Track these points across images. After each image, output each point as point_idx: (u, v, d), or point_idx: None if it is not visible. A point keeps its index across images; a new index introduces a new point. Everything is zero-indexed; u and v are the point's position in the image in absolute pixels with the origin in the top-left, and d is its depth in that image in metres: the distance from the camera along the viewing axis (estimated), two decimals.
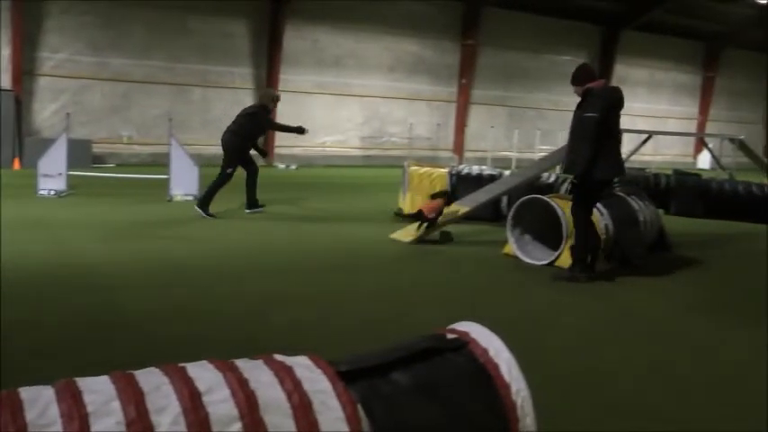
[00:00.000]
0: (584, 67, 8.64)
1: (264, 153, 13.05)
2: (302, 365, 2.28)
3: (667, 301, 7.97)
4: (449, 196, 10.94)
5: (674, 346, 6.37)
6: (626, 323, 7.06)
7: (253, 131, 12.23)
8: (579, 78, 8.45)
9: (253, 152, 12.51)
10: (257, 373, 2.16)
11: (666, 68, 31.54)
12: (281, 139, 21.76)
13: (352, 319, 6.46)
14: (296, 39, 22.16)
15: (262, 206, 12.44)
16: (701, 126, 33.62)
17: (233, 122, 12.13)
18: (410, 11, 24.16)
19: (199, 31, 20.57)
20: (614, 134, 8.30)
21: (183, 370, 2.07)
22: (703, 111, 34.00)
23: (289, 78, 22.10)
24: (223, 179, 11.80)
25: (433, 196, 10.83)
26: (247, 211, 12.27)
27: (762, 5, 29.07)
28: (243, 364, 2.20)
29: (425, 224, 10.28)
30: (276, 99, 12.67)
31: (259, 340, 5.59)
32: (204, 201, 11.67)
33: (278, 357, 2.32)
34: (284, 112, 21.73)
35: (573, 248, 8.64)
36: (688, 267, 9.70)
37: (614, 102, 8.30)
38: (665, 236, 10.81)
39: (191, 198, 12.98)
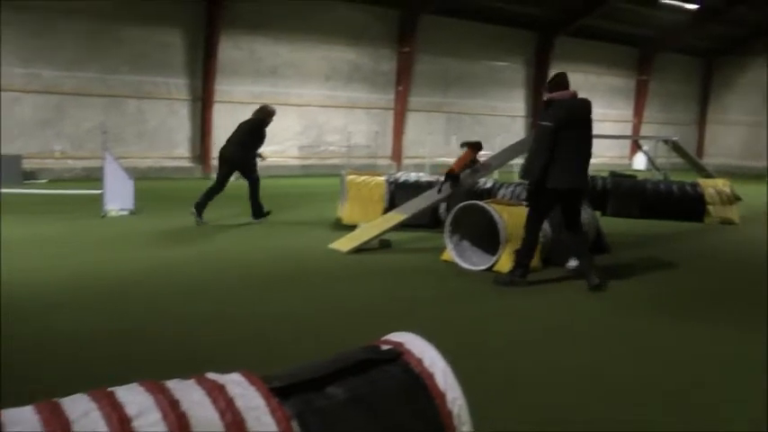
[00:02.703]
0: (556, 76, 8.74)
1: (262, 158, 13.13)
2: (235, 383, 2.27)
3: (606, 302, 8.09)
4: (479, 147, 11.06)
5: (614, 347, 6.48)
6: (566, 325, 7.15)
7: (254, 143, 12.64)
8: (548, 87, 8.67)
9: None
10: (189, 394, 2.13)
11: (600, 73, 32.03)
12: (218, 149, 21.49)
13: (288, 333, 6.43)
14: (232, 49, 21.99)
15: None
16: (636, 128, 34.21)
17: (234, 135, 12.62)
18: (346, 19, 24.17)
19: (132, 41, 20.26)
20: (573, 145, 8.31)
21: (112, 395, 2.03)
22: (638, 113, 34.61)
23: (225, 89, 21.92)
24: (257, 181, 12.63)
25: (464, 145, 11.04)
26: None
27: (691, 11, 29.77)
28: (174, 385, 2.17)
29: (450, 180, 10.78)
30: (273, 113, 12.95)
31: (193, 360, 5.51)
32: (257, 211, 12.64)
33: (210, 376, 2.30)
34: (221, 124, 21.57)
35: (517, 252, 8.73)
36: (626, 268, 9.86)
37: (571, 113, 8.37)
38: (602, 237, 10.98)
39: (126, 213, 12.77)
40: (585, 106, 8.55)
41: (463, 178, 11.10)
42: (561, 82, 8.60)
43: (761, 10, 31.32)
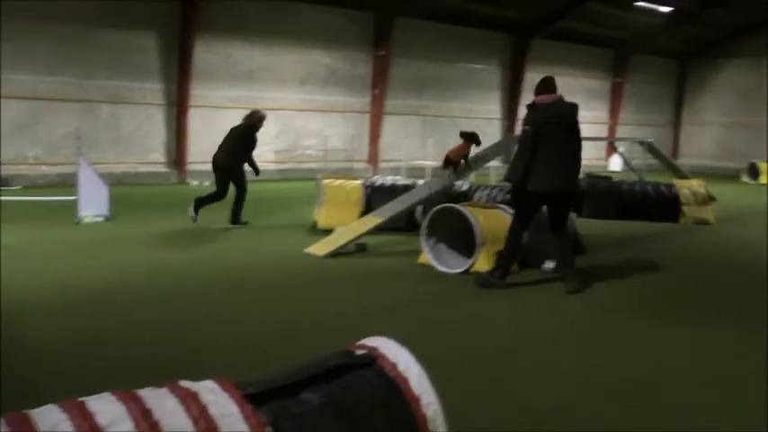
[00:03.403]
0: (543, 80, 8.79)
1: (258, 170, 13.11)
2: (208, 390, 2.26)
3: (583, 304, 8.13)
4: (476, 138, 11.13)
5: (592, 348, 6.51)
6: (544, 327, 7.18)
7: (245, 148, 12.66)
8: (535, 91, 8.72)
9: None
10: (162, 402, 2.12)
11: (576, 75, 32.16)
12: (194, 154, 21.50)
13: (263, 339, 6.41)
14: (207, 53, 21.89)
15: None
16: (612, 130, 34.40)
17: (224, 141, 12.65)
18: (321, 23, 24.13)
19: (106, 46, 20.09)
20: (557, 148, 8.33)
21: (83, 405, 2.02)
22: (613, 115, 34.81)
23: (200, 93, 21.82)
24: (244, 189, 12.71)
25: (462, 135, 11.11)
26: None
27: (665, 13, 30.03)
28: (147, 394, 2.16)
29: (451, 167, 10.96)
30: (263, 118, 12.99)
31: (168, 367, 5.48)
32: (235, 217, 12.70)
33: (184, 384, 2.29)
34: (196, 128, 21.53)
35: (499, 253, 8.77)
36: (603, 269, 9.91)
37: (552, 116, 8.41)
38: (578, 239, 11.03)
39: (100, 219, 12.68)
40: (569, 109, 8.59)
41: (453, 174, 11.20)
42: (547, 86, 8.65)
43: (735, 12, 31.66)
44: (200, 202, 12.52)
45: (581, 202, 15.43)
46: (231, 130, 12.82)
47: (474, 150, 11.25)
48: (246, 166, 12.79)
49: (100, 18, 19.78)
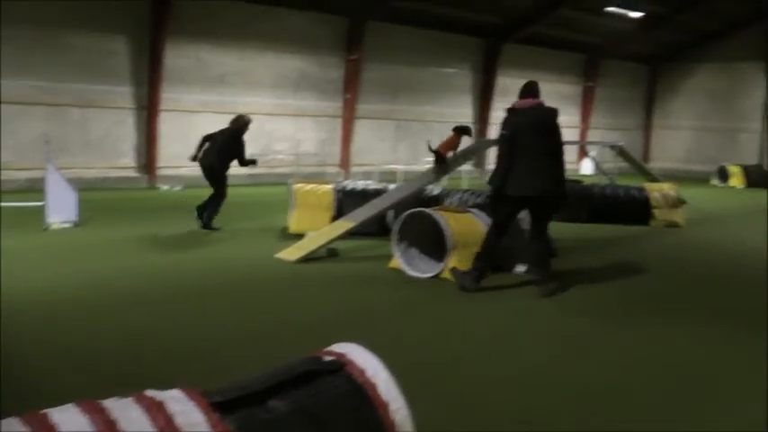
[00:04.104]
0: (524, 85, 8.84)
1: (255, 162, 13.31)
2: (175, 399, 2.24)
3: (556, 307, 8.17)
4: (468, 132, 11.23)
5: (566, 351, 6.55)
6: (517, 331, 7.20)
7: (234, 151, 12.76)
8: (518, 95, 8.75)
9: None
10: (127, 412, 2.11)
11: (548, 79, 32.20)
12: (165, 159, 21.39)
13: (232, 346, 6.37)
14: (178, 56, 21.74)
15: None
16: (583, 134, 34.60)
17: (212, 145, 12.68)
18: (293, 27, 24.06)
19: (76, 49, 19.87)
20: (534, 153, 8.33)
21: (46, 417, 2.00)
22: (585, 119, 35.02)
23: (171, 97, 21.67)
24: (223, 196, 12.77)
25: (457, 132, 11.22)
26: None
27: (636, 19, 30.29)
28: (111, 404, 2.14)
29: (441, 162, 11.18)
30: (249, 122, 13.11)
31: (134, 376, 5.43)
32: (209, 222, 12.66)
33: (149, 393, 2.27)
34: (167, 132, 21.39)
35: (478, 254, 8.81)
36: (574, 273, 9.96)
37: (528, 122, 8.43)
38: (550, 243, 11.08)
39: (69, 225, 12.54)
40: (547, 114, 8.61)
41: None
42: (528, 90, 8.71)
43: (704, 17, 32.00)
44: (202, 208, 12.73)
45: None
46: (216, 134, 12.84)
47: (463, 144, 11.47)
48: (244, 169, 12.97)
49: (69, 21, 19.59)
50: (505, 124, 8.52)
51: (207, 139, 12.83)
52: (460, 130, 11.33)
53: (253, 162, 13.15)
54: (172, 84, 21.62)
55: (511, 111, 8.63)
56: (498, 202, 8.64)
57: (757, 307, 8.48)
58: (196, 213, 12.74)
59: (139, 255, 10.55)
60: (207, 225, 12.66)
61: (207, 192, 12.88)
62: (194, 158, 12.77)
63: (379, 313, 7.74)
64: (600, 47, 33.60)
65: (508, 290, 8.86)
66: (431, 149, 11.39)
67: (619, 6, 28.85)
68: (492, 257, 8.83)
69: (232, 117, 13.23)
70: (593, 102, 35.21)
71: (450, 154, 11.30)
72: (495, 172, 8.54)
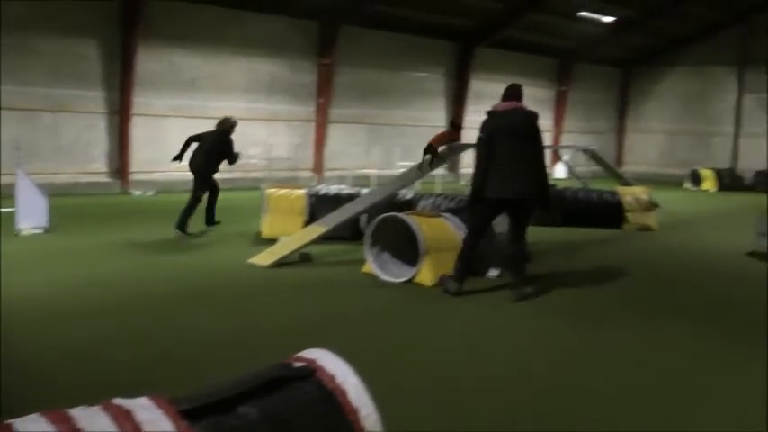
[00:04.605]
0: (506, 88, 8.89)
1: (238, 155, 13.32)
2: (142, 407, 2.22)
3: (529, 311, 8.20)
4: (459, 128, 11.41)
5: (539, 355, 6.57)
6: (490, 335, 7.22)
7: (223, 152, 12.90)
8: (501, 98, 8.78)
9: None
10: (94, 421, 2.08)
11: (521, 83, 32.33)
12: (137, 164, 21.25)
13: (203, 353, 6.34)
14: (150, 60, 21.60)
15: (217, 222, 13.22)
16: (556, 138, 34.75)
17: (200, 147, 12.82)
18: (265, 31, 24.00)
19: (46, 53, 19.69)
20: (513, 156, 8.34)
21: (10, 427, 1.98)
22: (558, 123, 35.16)
23: (143, 101, 21.52)
24: (198, 200, 12.82)
25: (452, 124, 11.41)
26: (207, 226, 13.08)
27: (608, 23, 30.50)
28: (78, 413, 2.12)
29: (432, 155, 11.54)
30: (235, 124, 13.20)
31: (103, 383, 5.40)
32: (182, 225, 12.54)
33: (116, 401, 2.25)
34: (139, 137, 21.25)
35: (458, 257, 8.84)
36: (548, 276, 10.00)
37: (506, 125, 8.44)
38: (525, 247, 11.12)
39: (39, 231, 12.41)
40: (526, 118, 8.62)
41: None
42: (509, 93, 8.76)
43: (676, 21, 32.28)
44: (208, 212, 13.12)
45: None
46: (204, 136, 12.94)
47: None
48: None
49: (39, 24, 19.39)
50: (484, 127, 8.55)
51: (193, 139, 12.93)
52: (455, 127, 11.64)
53: (237, 156, 13.20)
54: (143, 88, 21.49)
55: (490, 113, 8.66)
56: (477, 204, 8.67)
57: (728, 307, 8.60)
58: (205, 221, 13.08)
59: (110, 261, 10.47)
60: (181, 226, 12.57)
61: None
62: (178, 158, 12.86)
63: (352, 318, 7.73)
64: (573, 51, 33.81)
65: (481, 294, 8.87)
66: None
67: (591, 11, 29.01)
68: (469, 260, 8.85)
69: (217, 120, 13.34)
70: (566, 106, 35.39)
71: (441, 148, 11.77)
72: (474, 174, 8.58)
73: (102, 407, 2.20)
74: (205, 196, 13.04)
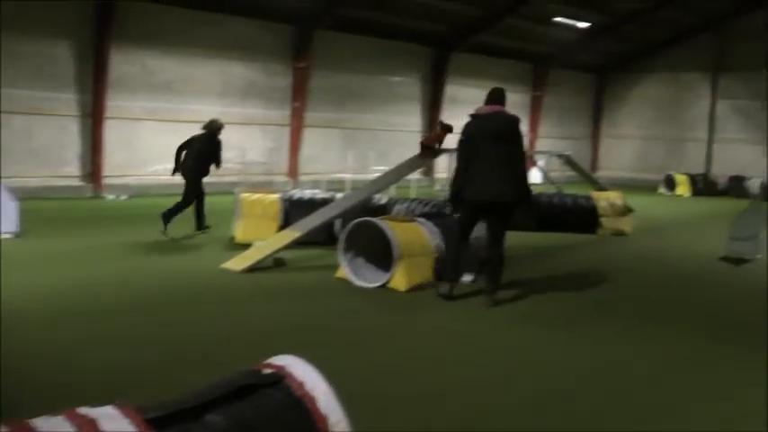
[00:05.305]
0: (490, 91, 8.90)
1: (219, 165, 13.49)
2: (108, 416, 2.19)
3: (503, 316, 8.22)
4: (450, 129, 11.61)
5: (511, 360, 6.58)
6: (463, 341, 7.22)
7: (211, 158, 13.10)
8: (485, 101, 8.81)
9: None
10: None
11: (502, 88, 32.46)
12: (110, 167, 21.08)
13: (173, 359, 6.28)
14: (124, 63, 21.41)
15: (207, 227, 13.19)
16: (532, 143, 34.84)
17: (190, 150, 12.96)
18: (240, 34, 23.89)
19: (18, 54, 19.43)
20: (490, 159, 8.35)
21: None
22: (533, 129, 35.22)
23: (116, 104, 21.30)
24: (188, 203, 12.92)
25: (442, 127, 11.63)
26: (197, 231, 13.05)
27: (583, 29, 30.67)
28: (41, 423, 2.08)
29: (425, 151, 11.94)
30: (222, 126, 13.36)
31: (73, 390, 5.34)
32: (167, 217, 12.65)
33: (81, 410, 2.21)
34: (112, 140, 21.07)
35: (447, 261, 8.92)
36: (522, 282, 10.00)
37: (485, 128, 8.47)
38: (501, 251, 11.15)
39: (9, 236, 12.22)
40: (506, 122, 8.63)
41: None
42: (492, 97, 8.79)
43: (651, 28, 32.52)
44: (197, 217, 13.09)
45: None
46: (192, 140, 13.10)
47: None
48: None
49: (11, 25, 19.17)
50: (465, 129, 8.61)
51: (182, 148, 13.04)
52: (445, 127, 11.82)
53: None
54: (117, 91, 21.29)
55: (473, 116, 8.73)
56: (457, 206, 8.75)
57: (699, 312, 8.70)
58: (196, 225, 13.07)
59: (80, 266, 10.36)
60: (166, 218, 12.68)
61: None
62: (175, 172, 13.09)
63: (324, 324, 7.70)
64: (548, 56, 33.94)
65: (455, 299, 8.86)
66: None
67: (566, 17, 29.15)
68: (457, 263, 8.90)
69: (193, 123, 13.81)
70: (541, 111, 35.49)
71: (436, 146, 12.04)
72: (454, 176, 8.65)
73: (65, 416, 2.16)
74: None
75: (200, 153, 12.92)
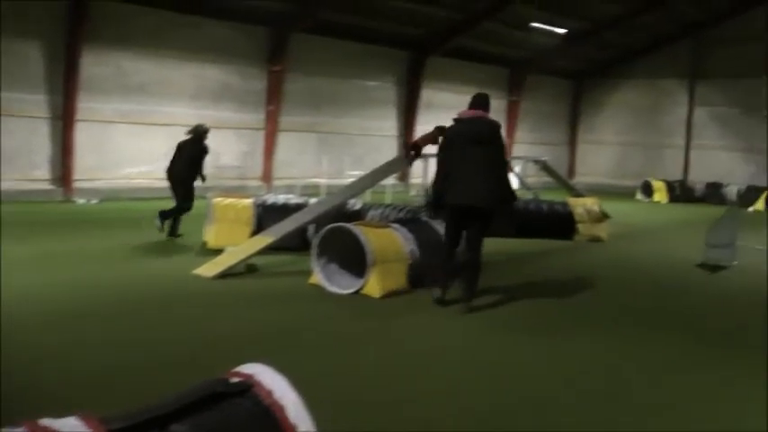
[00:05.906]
0: (474, 96, 8.97)
1: (204, 177, 13.75)
2: (71, 427, 2.13)
3: (478, 322, 8.21)
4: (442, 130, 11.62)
5: (486, 366, 6.56)
6: (437, 347, 7.19)
7: (199, 156, 13.44)
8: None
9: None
10: None
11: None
12: (81, 171, 20.86)
13: (142, 367, 6.18)
14: (96, 64, 21.16)
15: (180, 235, 13.24)
16: (508, 148, 34.93)
17: (177, 155, 13.37)
18: (215, 36, 23.76)
19: None
20: (469, 163, 8.38)
21: None
22: (509, 134, 35.28)
23: (88, 106, 21.06)
24: (189, 207, 13.16)
25: (437, 129, 11.64)
26: (158, 222, 12.96)
27: (561, 34, 30.82)
28: None
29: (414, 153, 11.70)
30: (208, 131, 13.78)
31: (33, 401, 5.23)
32: (165, 216, 12.88)
33: (44, 422, 2.15)
34: (84, 143, 20.86)
35: (440, 267, 8.93)
36: (498, 288, 9.99)
37: (466, 133, 8.52)
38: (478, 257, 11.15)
39: None
40: (486, 127, 8.66)
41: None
42: (475, 102, 8.86)
43: (628, 34, 32.74)
44: (173, 226, 13.15)
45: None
46: (180, 144, 13.45)
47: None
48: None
49: None
50: (447, 133, 8.70)
51: (175, 158, 13.43)
52: (440, 129, 11.83)
53: (203, 177, 13.70)
54: (89, 93, 21.06)
55: (455, 120, 8.80)
56: (438, 210, 8.78)
57: (673, 316, 8.76)
58: (159, 223, 12.93)
59: (48, 272, 10.19)
60: (163, 216, 12.86)
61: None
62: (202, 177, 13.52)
63: (295, 331, 7.64)
64: (525, 61, 34.05)
65: (431, 306, 8.82)
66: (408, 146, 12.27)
67: (543, 22, 29.26)
68: (448, 268, 8.91)
69: (188, 128, 13.91)
70: (517, 116, 35.59)
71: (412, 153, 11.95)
72: (435, 180, 8.74)
73: (26, 428, 2.10)
74: (170, 204, 13.22)
75: (192, 158, 13.16)
